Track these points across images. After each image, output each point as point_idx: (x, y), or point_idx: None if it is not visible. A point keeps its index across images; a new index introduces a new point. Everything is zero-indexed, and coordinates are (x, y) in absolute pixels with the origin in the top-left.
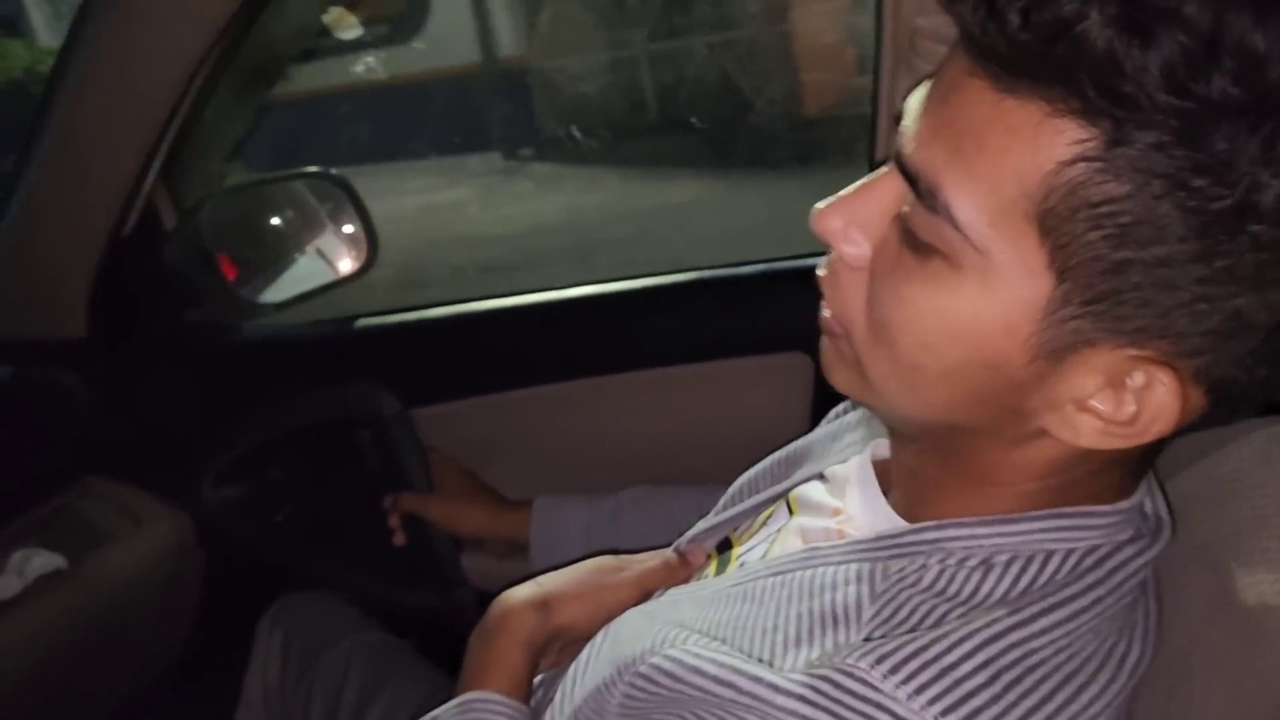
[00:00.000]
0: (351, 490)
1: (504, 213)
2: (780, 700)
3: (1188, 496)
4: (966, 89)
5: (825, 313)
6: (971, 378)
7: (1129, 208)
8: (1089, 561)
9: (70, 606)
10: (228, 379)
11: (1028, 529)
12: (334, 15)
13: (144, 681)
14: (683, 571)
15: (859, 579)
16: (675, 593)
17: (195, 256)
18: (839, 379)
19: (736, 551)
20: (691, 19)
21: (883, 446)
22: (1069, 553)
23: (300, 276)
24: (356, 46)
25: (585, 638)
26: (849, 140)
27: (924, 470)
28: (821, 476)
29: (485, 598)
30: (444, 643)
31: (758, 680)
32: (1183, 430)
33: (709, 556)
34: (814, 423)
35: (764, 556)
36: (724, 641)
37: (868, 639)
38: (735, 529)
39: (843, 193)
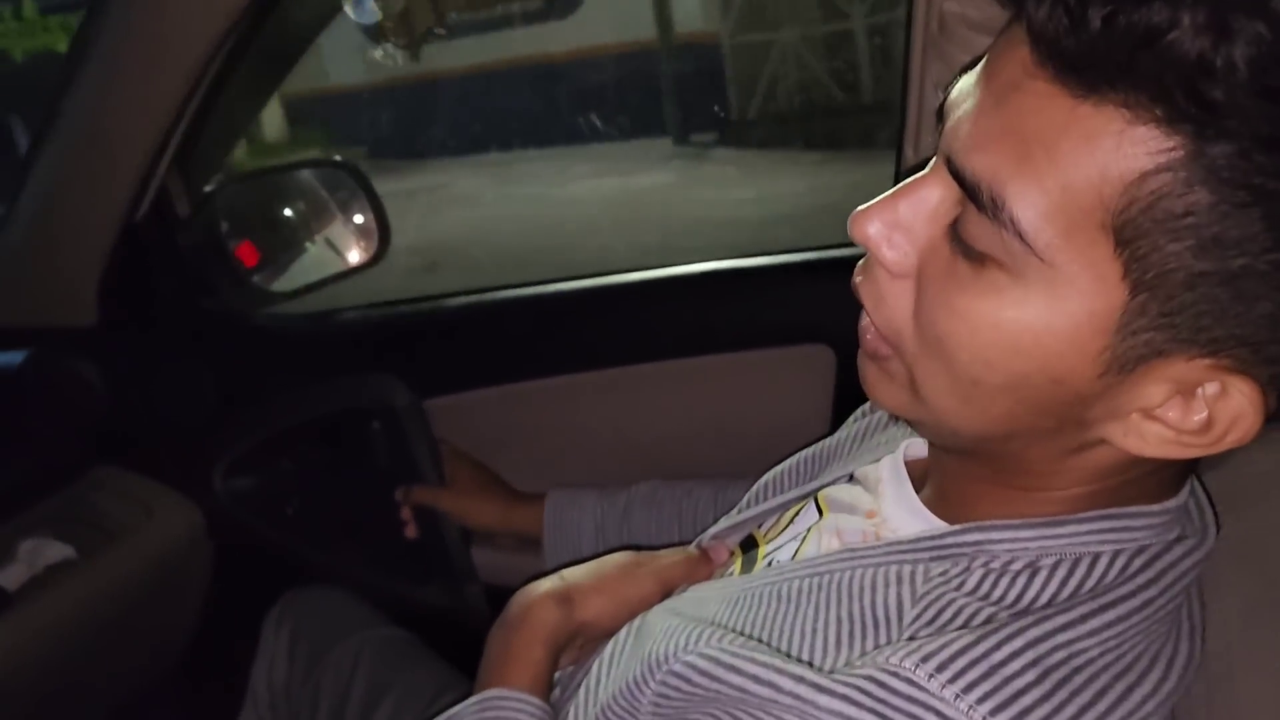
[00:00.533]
0: (363, 482)
1: (705, 197)
2: (824, 701)
3: (1223, 493)
4: (1031, 92)
5: (867, 330)
6: (1033, 391)
7: (1213, 218)
8: (1138, 563)
9: (79, 598)
10: (240, 368)
11: (1075, 531)
12: None
13: (151, 674)
14: (705, 568)
15: (899, 581)
16: (701, 589)
17: (208, 244)
18: (888, 399)
19: (763, 550)
20: None
21: (916, 446)
22: (1117, 554)
23: (312, 265)
24: (514, 20)
25: (607, 634)
26: None
27: (967, 474)
28: (851, 477)
29: (496, 592)
30: (454, 637)
31: (800, 680)
32: None
33: (732, 553)
34: (835, 415)
35: (795, 556)
36: (760, 641)
37: (911, 639)
38: (759, 526)
39: (884, 195)
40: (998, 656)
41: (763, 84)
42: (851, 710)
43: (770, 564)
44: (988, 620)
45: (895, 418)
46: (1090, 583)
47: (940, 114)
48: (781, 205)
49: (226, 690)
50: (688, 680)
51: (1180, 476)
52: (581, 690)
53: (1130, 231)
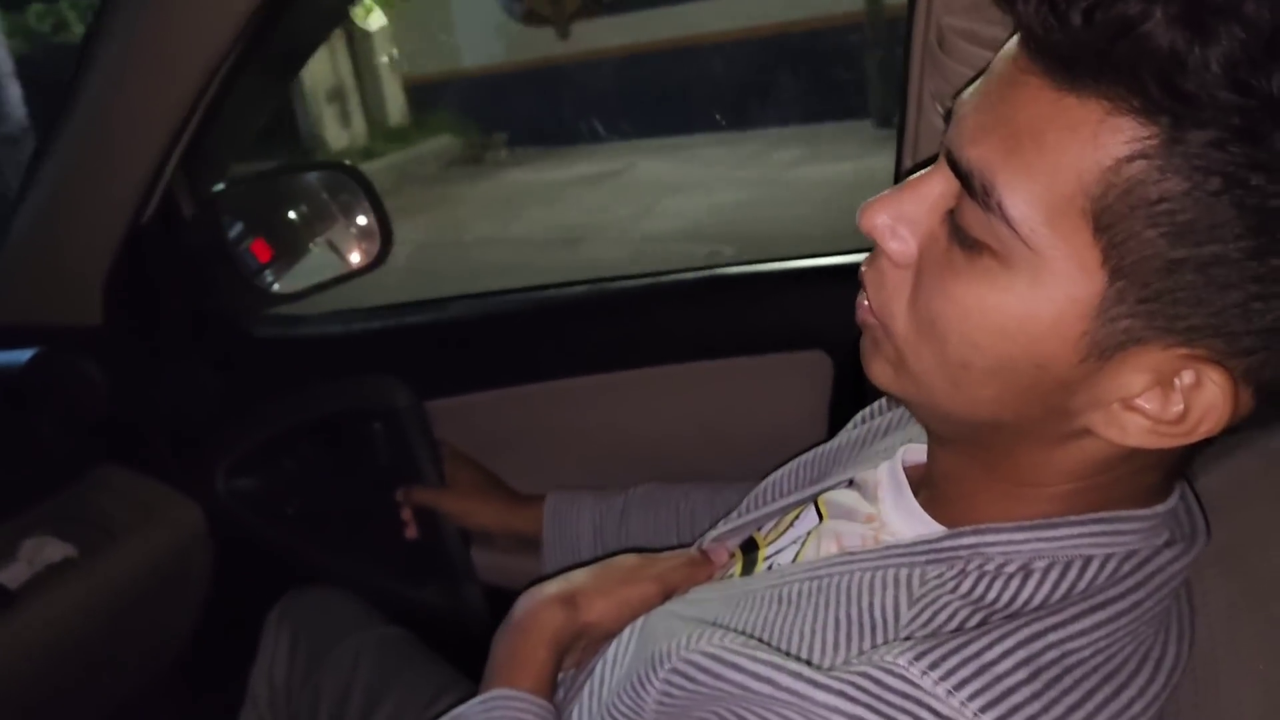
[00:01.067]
0: (363, 483)
1: None
2: (821, 696)
3: (1210, 497)
4: (1023, 86)
5: (861, 303)
6: (1019, 375)
7: (1186, 205)
8: (1128, 566)
9: (79, 596)
10: (242, 369)
11: (1066, 534)
12: None
13: (151, 673)
14: (706, 570)
15: (896, 584)
16: (702, 591)
17: (212, 245)
18: (877, 373)
19: (764, 553)
20: None
21: (914, 451)
22: (1108, 557)
23: (315, 267)
24: None
25: (610, 635)
26: None
27: (962, 472)
28: (851, 482)
29: (495, 593)
30: (453, 638)
31: (798, 677)
32: (1228, 430)
33: (732, 556)
34: (832, 422)
35: (795, 559)
36: (761, 641)
37: (907, 639)
38: (759, 529)
39: (891, 190)
40: (990, 655)
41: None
42: (847, 705)
43: (770, 567)
44: (982, 623)
45: (889, 430)
46: (1081, 585)
47: (948, 116)
48: None
49: (226, 690)
50: (691, 678)
51: (1169, 479)
52: (585, 690)
53: (1108, 218)
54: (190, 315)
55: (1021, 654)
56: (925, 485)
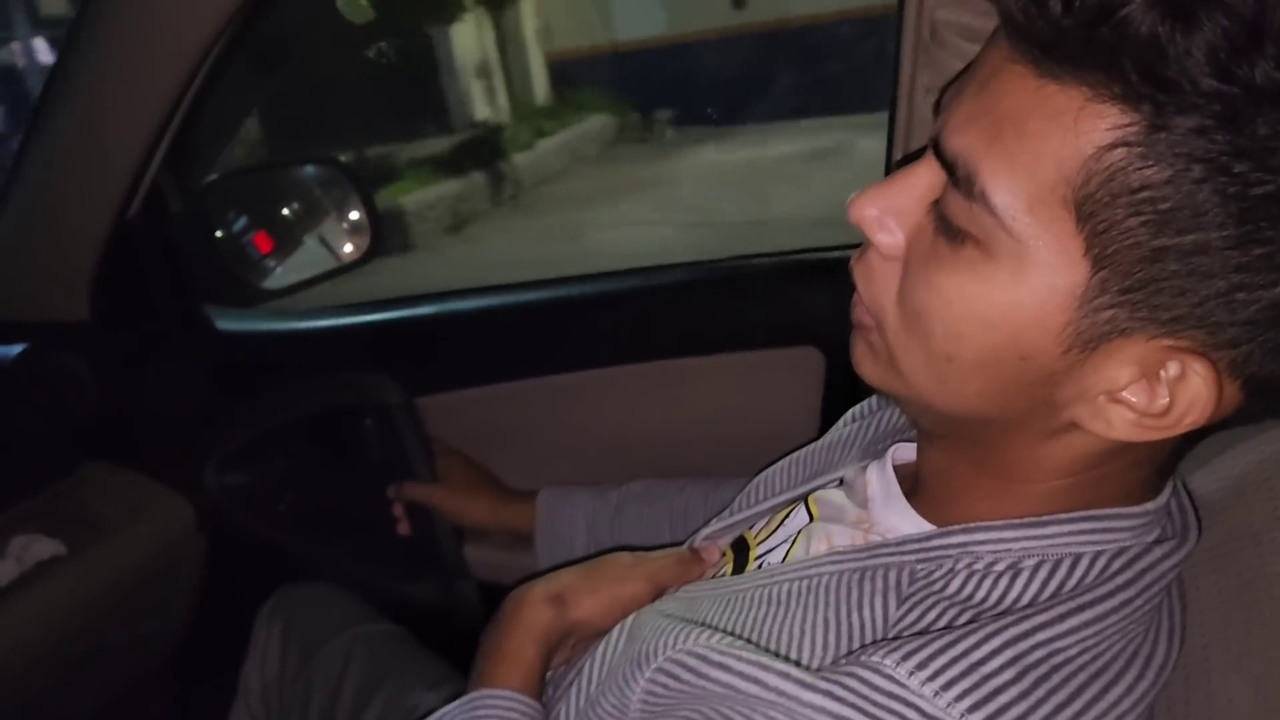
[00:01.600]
0: (355, 479)
1: None
2: (807, 696)
3: (1202, 496)
4: (1006, 75)
5: (856, 304)
6: (1004, 368)
7: (1168, 193)
8: (1118, 564)
9: (68, 593)
10: (232, 364)
11: (1056, 532)
12: None
13: (141, 671)
14: (697, 569)
15: (885, 584)
16: (692, 590)
17: (200, 240)
18: (869, 372)
19: (754, 552)
20: None
21: (904, 450)
22: (1097, 555)
23: (304, 263)
24: None
25: (600, 633)
26: None
27: (951, 469)
28: (841, 481)
29: (488, 589)
30: (446, 633)
31: (785, 676)
32: (1216, 426)
33: (723, 554)
34: (824, 417)
35: (785, 559)
36: (749, 641)
37: (895, 639)
38: (750, 528)
39: (881, 181)
40: (977, 655)
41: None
42: (833, 706)
43: (760, 566)
44: (971, 621)
45: (879, 429)
46: (1071, 583)
47: (937, 108)
48: None
49: (218, 686)
50: (675, 677)
51: (1161, 476)
52: (573, 689)
53: (1090, 206)
54: (178, 311)
55: (1009, 653)
56: (915, 484)
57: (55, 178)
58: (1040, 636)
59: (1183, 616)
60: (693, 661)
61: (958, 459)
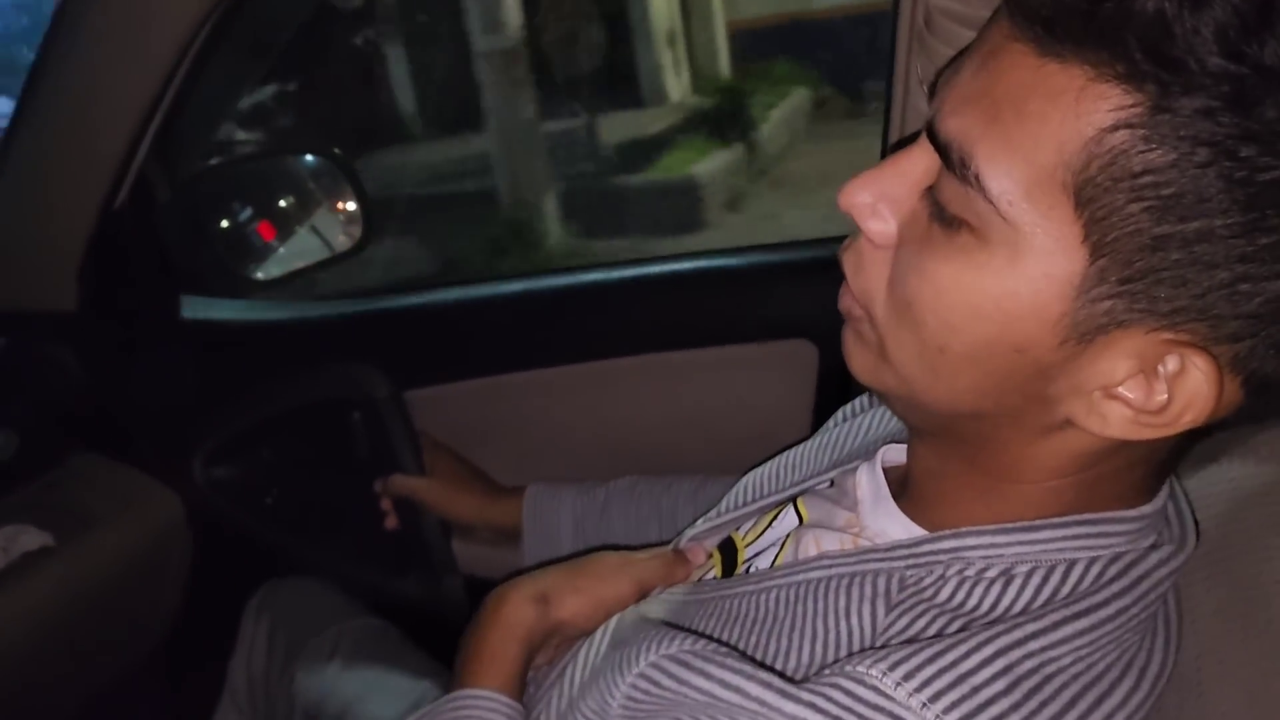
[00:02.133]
0: (342, 473)
1: None
2: (789, 707)
3: (1198, 501)
4: (1006, 54)
5: (844, 293)
6: (997, 360)
7: (1172, 178)
8: (1113, 570)
9: (55, 585)
10: (220, 356)
11: (1049, 536)
12: None
13: (128, 664)
14: (683, 570)
15: (874, 589)
16: (677, 593)
17: (188, 231)
18: (859, 364)
19: (743, 555)
20: None
21: (893, 452)
22: (1092, 561)
23: (294, 254)
24: None
25: (583, 633)
26: None
27: (943, 469)
28: (831, 483)
29: (475, 584)
30: (433, 628)
31: (767, 686)
32: (1215, 426)
33: (709, 556)
34: (816, 411)
35: (774, 562)
36: (734, 649)
37: (883, 647)
38: (738, 529)
39: (873, 168)
40: (967, 665)
41: None
42: (816, 717)
43: (749, 570)
44: (962, 629)
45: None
46: (1065, 590)
47: (932, 91)
48: None
49: (205, 679)
50: (656, 683)
51: (1158, 478)
52: (555, 691)
53: (1090, 191)
54: (166, 302)
55: (1000, 663)
56: (905, 486)
57: (42, 167)
58: (1033, 645)
59: (1179, 625)
60: (674, 668)
61: (949, 458)
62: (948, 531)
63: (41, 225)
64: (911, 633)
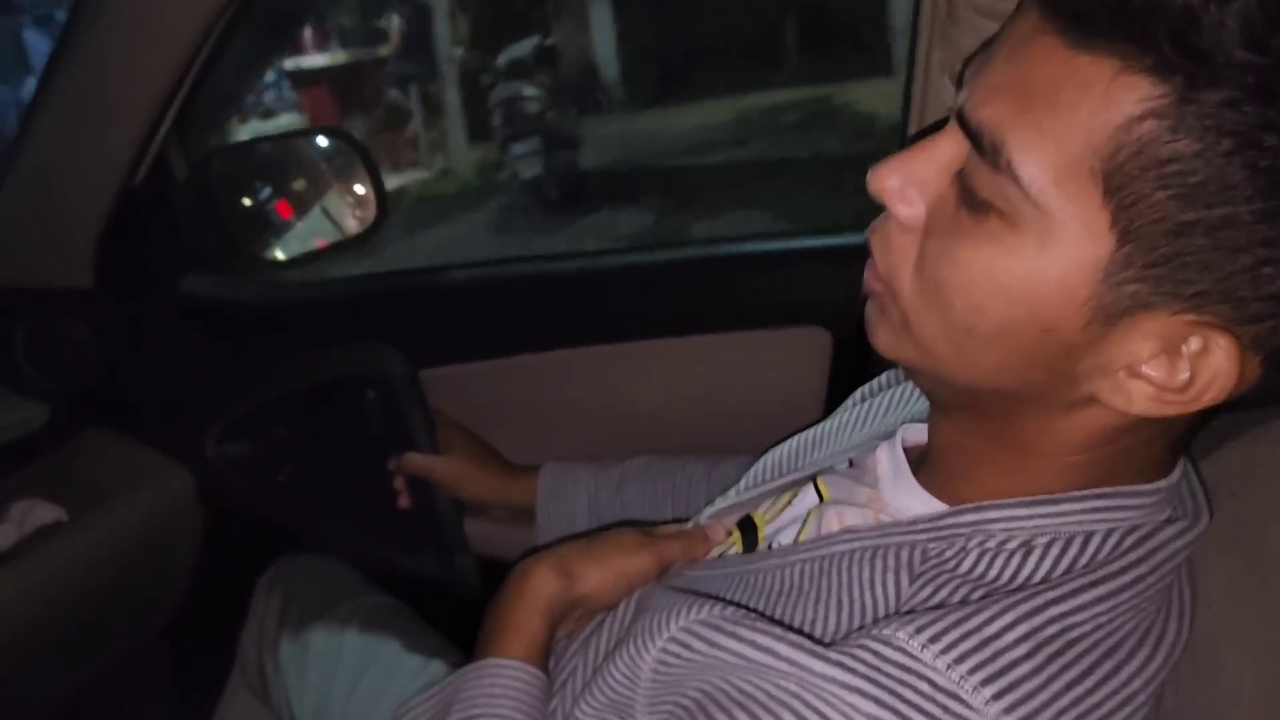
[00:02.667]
0: (356, 451)
1: None
2: (819, 667)
3: (1211, 479)
4: (1036, 45)
5: (869, 269)
6: (1024, 340)
7: (1197, 166)
8: (1129, 540)
9: (68, 559)
10: (235, 334)
11: (1069, 509)
12: None
13: (139, 638)
14: (703, 547)
15: (896, 561)
16: (701, 568)
17: (204, 209)
18: (882, 339)
19: (763, 532)
20: None
21: (913, 431)
22: (1110, 532)
23: (309, 234)
24: None
25: (605, 606)
26: None
27: (965, 444)
28: (850, 462)
29: (489, 563)
30: (445, 607)
31: (797, 647)
32: (1232, 404)
33: (729, 533)
34: (829, 398)
35: (797, 538)
36: (761, 614)
37: (909, 613)
38: (757, 508)
39: (901, 152)
40: (991, 629)
41: None
42: (845, 676)
43: (771, 546)
44: (984, 598)
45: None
46: (1083, 560)
47: (960, 80)
48: None
49: (215, 656)
50: (688, 647)
51: (1174, 453)
52: (579, 661)
53: (1118, 179)
54: (182, 279)
55: (1023, 628)
56: (925, 463)
57: (61, 142)
58: (1053, 611)
59: (1192, 598)
60: (706, 632)
61: (971, 433)
62: (969, 505)
63: (60, 203)
64: (934, 602)
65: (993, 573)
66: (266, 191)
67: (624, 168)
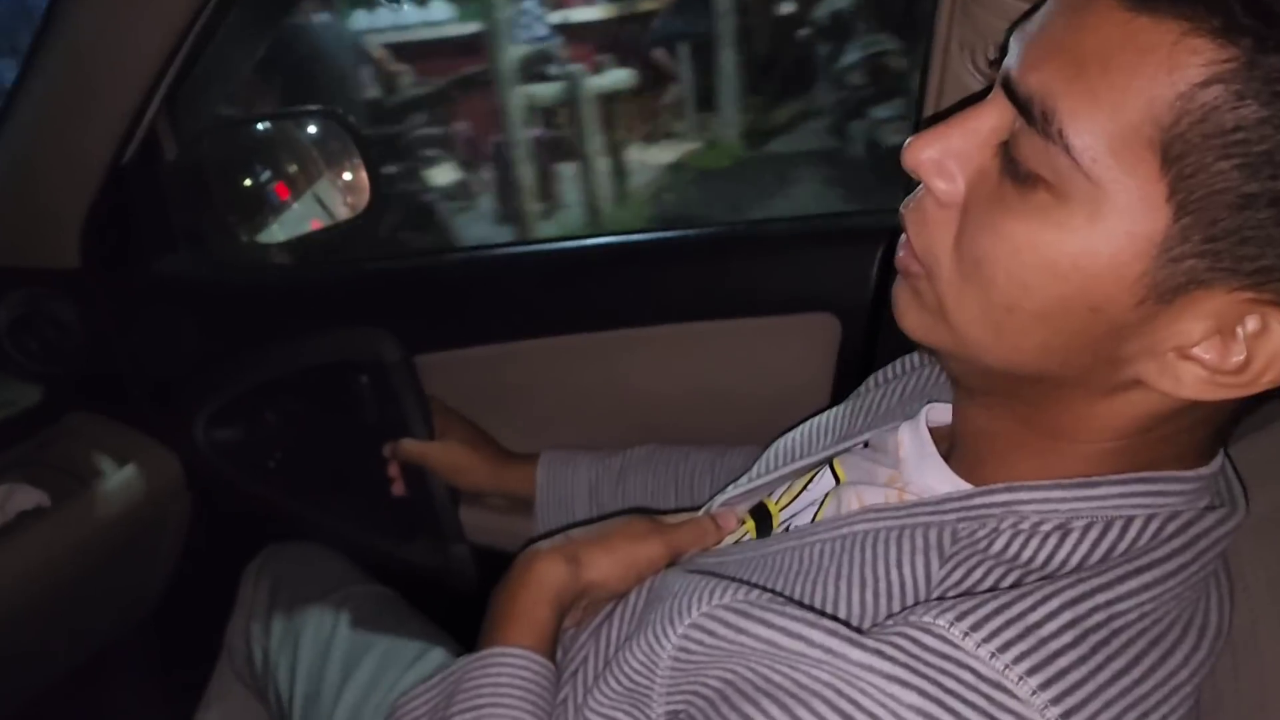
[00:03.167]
0: (349, 437)
1: None
2: (855, 655)
3: (1246, 468)
4: (1092, 9)
5: (902, 248)
6: (1070, 320)
7: (1264, 134)
8: (1171, 528)
9: (50, 545)
10: (224, 318)
11: (1107, 493)
12: None
13: (124, 625)
14: (715, 535)
15: (925, 540)
16: (715, 554)
17: (194, 189)
18: (913, 323)
19: (778, 517)
20: None
21: (936, 411)
22: (1150, 518)
23: (301, 217)
24: None
25: (613, 595)
26: None
27: (996, 429)
28: (866, 444)
29: (484, 553)
30: (439, 596)
31: (832, 633)
32: (1271, 394)
33: (741, 521)
34: (837, 385)
35: (814, 519)
36: (784, 596)
37: (941, 599)
38: (770, 494)
39: (938, 125)
40: (1034, 617)
41: None
42: (883, 665)
43: (788, 529)
44: (1017, 583)
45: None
46: (1122, 546)
47: (1004, 45)
48: None
49: (201, 644)
50: (711, 633)
51: (1216, 440)
52: (590, 650)
53: (1179, 148)
54: (170, 261)
55: (1067, 615)
56: (950, 445)
57: (48, 119)
58: (1099, 599)
59: (1230, 588)
60: (730, 617)
61: (1003, 418)
62: (1001, 485)
63: (46, 179)
64: (967, 585)
65: (1026, 554)
66: (266, 174)
67: None
